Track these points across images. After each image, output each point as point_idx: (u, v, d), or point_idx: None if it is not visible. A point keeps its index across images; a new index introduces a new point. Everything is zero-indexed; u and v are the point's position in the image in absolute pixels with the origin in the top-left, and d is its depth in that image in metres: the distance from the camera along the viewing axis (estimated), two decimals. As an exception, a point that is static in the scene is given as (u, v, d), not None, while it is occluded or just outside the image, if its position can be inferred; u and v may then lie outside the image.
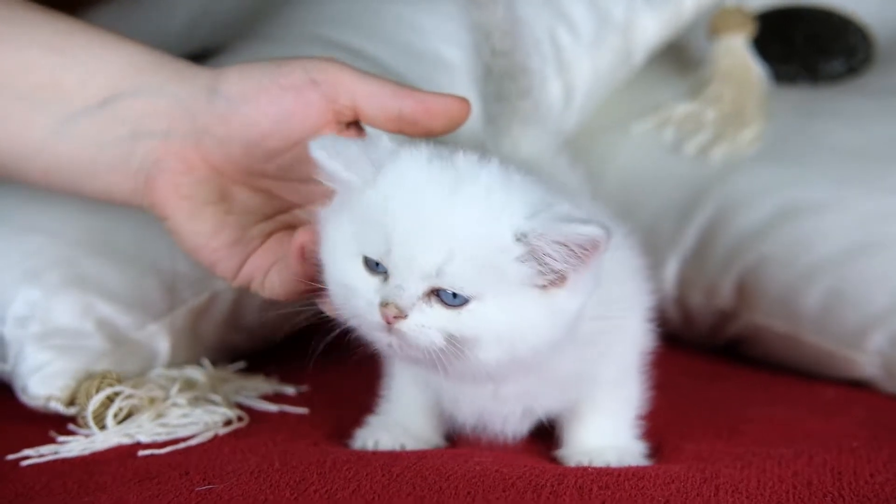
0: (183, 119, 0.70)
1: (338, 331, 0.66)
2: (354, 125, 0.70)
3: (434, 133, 0.69)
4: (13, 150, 0.72)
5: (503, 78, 0.80)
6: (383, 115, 0.69)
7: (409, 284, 0.61)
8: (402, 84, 0.69)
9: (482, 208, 0.61)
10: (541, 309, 0.62)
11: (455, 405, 0.71)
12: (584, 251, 0.60)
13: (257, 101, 0.69)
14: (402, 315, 0.61)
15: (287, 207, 0.73)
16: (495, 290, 0.61)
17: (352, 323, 0.65)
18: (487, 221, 0.61)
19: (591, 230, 0.59)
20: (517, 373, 0.65)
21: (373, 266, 0.63)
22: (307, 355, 0.95)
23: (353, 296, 0.63)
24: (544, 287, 0.61)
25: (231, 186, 0.72)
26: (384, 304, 0.61)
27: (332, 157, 0.63)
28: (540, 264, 0.60)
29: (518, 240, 0.60)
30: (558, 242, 0.60)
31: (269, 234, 0.73)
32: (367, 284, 0.63)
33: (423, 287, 0.61)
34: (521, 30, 0.81)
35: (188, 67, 0.72)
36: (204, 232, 0.71)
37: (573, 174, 0.81)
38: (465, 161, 0.63)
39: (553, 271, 0.61)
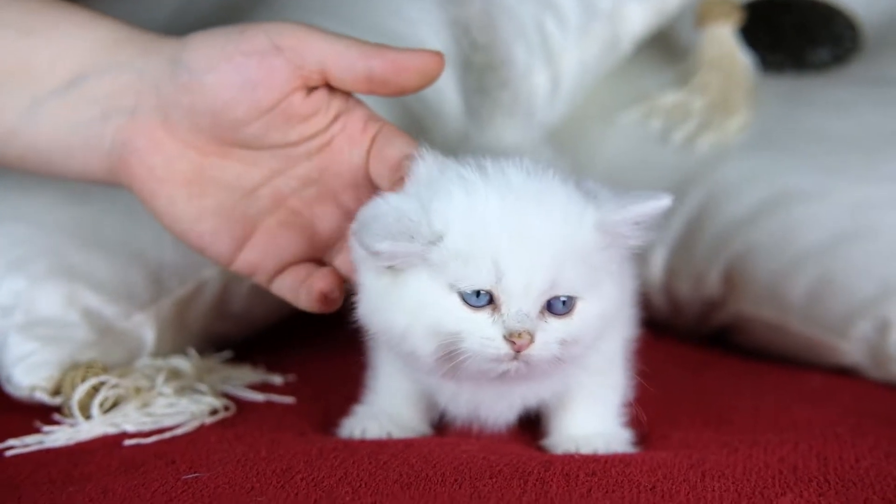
0: (149, 94, 0.70)
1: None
2: (324, 88, 0.69)
3: (407, 91, 0.67)
4: None
5: (483, 70, 0.81)
6: (352, 77, 0.67)
7: (531, 306, 0.61)
8: (370, 43, 0.67)
9: (564, 211, 0.62)
10: (616, 288, 0.66)
11: (451, 401, 0.71)
12: (655, 222, 0.64)
13: (220, 69, 0.67)
14: (532, 340, 0.61)
15: (268, 178, 0.71)
16: (592, 285, 0.63)
17: (461, 361, 0.63)
18: (573, 222, 0.62)
19: (662, 202, 0.63)
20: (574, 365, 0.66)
21: (472, 301, 0.62)
22: (294, 344, 0.96)
23: (462, 339, 0.62)
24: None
25: (204, 160, 0.70)
26: (516, 335, 0.61)
27: (392, 242, 0.61)
28: (621, 248, 0.64)
29: (599, 231, 0.63)
30: (636, 223, 0.63)
31: (275, 219, 0.72)
32: (477, 322, 0.62)
33: (541, 304, 0.62)
34: (500, 22, 0.81)
35: (155, 40, 0.71)
36: (186, 218, 0.71)
37: (558, 164, 0.81)
38: (510, 169, 0.64)
39: (632, 250, 0.65)
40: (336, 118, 0.70)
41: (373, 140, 0.70)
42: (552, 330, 0.62)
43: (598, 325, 0.64)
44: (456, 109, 0.94)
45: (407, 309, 0.63)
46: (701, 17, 1.09)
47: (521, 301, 0.61)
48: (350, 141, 0.70)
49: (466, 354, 0.62)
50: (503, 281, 0.61)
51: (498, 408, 0.70)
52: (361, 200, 0.67)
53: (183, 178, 0.70)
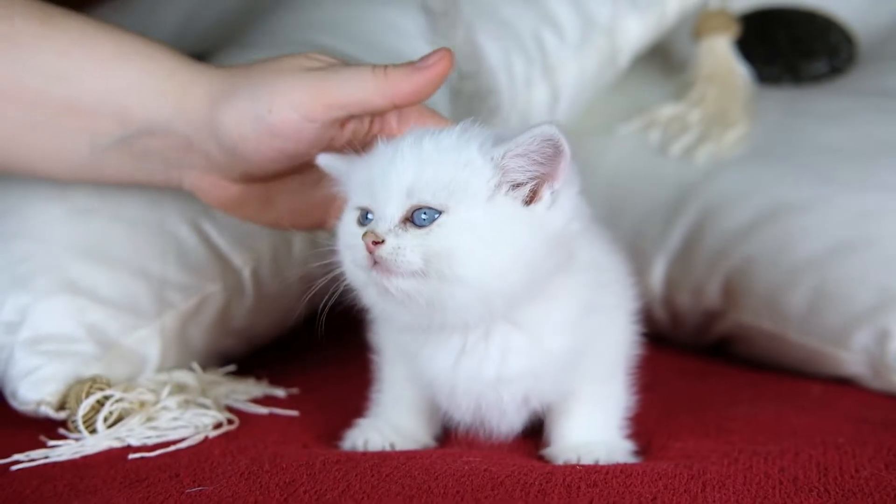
0: (198, 155, 0.76)
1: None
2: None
3: (431, 95, 0.73)
4: (56, 172, 0.80)
5: (472, 100, 0.82)
6: (378, 109, 0.73)
7: (385, 212, 0.67)
8: (384, 75, 0.71)
9: (450, 140, 0.68)
10: (519, 223, 0.66)
11: (452, 399, 0.71)
12: (545, 156, 0.66)
13: (255, 144, 0.74)
14: (379, 240, 0.66)
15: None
16: (465, 204, 0.66)
17: (350, 280, 0.69)
18: (454, 147, 0.67)
19: (541, 129, 0.65)
20: (503, 304, 0.67)
21: (363, 220, 0.69)
22: (297, 358, 0.96)
23: (347, 248, 0.69)
24: (527, 203, 0.66)
25: (269, 186, 0.78)
26: (364, 235, 0.66)
27: (326, 158, 0.72)
28: (510, 181, 0.66)
29: (486, 160, 0.67)
30: (519, 155, 0.66)
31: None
32: (357, 232, 0.68)
33: (398, 213, 0.67)
34: (484, 51, 0.83)
35: (187, 93, 0.75)
36: (267, 221, 0.80)
37: None
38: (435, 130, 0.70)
39: (523, 183, 0.66)
40: (373, 121, 0.75)
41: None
42: (409, 237, 0.66)
43: (474, 247, 0.66)
44: None
45: (339, 229, 0.71)
46: (698, 30, 1.10)
47: (379, 209, 0.67)
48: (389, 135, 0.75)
49: (348, 264, 0.69)
50: (374, 196, 0.68)
51: (499, 407, 0.71)
52: None
53: (254, 202, 0.78)
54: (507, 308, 0.67)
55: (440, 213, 0.66)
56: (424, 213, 0.66)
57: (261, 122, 0.72)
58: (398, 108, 0.73)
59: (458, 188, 0.66)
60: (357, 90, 0.71)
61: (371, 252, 0.66)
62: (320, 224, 0.79)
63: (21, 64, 0.75)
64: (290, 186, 0.78)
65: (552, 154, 0.65)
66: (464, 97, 0.82)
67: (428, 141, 0.68)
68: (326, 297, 0.70)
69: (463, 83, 0.82)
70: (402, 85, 0.71)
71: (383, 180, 0.67)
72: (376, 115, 0.74)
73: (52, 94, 0.76)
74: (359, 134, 0.75)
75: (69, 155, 0.78)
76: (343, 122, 0.73)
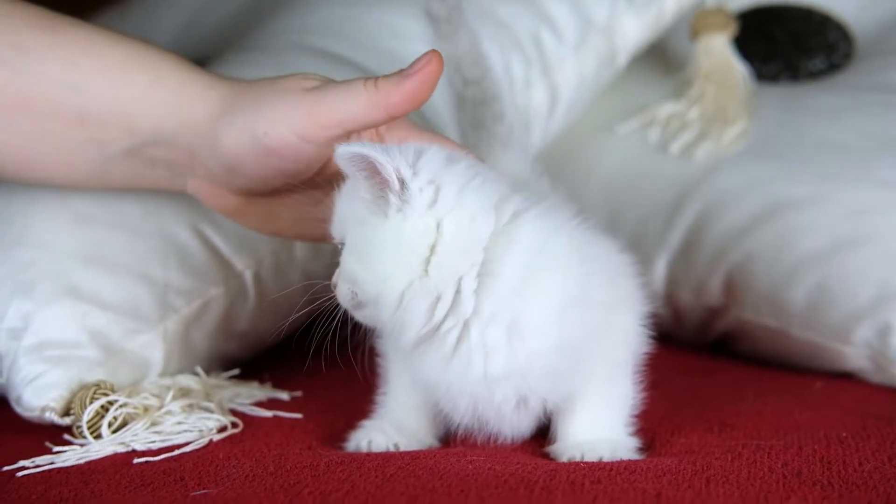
0: (202, 169, 0.76)
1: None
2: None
3: (425, 101, 0.72)
4: (66, 179, 0.81)
5: (477, 106, 0.82)
6: (374, 123, 0.73)
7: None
8: (375, 86, 0.71)
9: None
10: (382, 234, 0.67)
11: (449, 399, 0.71)
12: (371, 168, 0.66)
13: (252, 163, 0.73)
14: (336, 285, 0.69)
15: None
16: (350, 226, 0.68)
17: None
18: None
19: (355, 148, 0.65)
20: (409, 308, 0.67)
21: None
22: (300, 361, 0.96)
23: None
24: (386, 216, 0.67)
25: (272, 200, 0.78)
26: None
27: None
28: (365, 193, 0.67)
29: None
30: (354, 168, 0.67)
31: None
32: None
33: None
34: (486, 58, 0.83)
35: (193, 108, 0.75)
36: (272, 231, 0.80)
37: (555, 194, 0.82)
38: None
39: (371, 193, 0.67)
40: (371, 138, 0.75)
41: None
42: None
43: (356, 270, 0.67)
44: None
45: None
46: (696, 29, 1.11)
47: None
48: None
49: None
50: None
51: (494, 407, 0.71)
52: None
53: (255, 213, 0.78)
54: (423, 309, 0.67)
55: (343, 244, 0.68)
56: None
57: (258, 143, 0.72)
58: (395, 118, 0.72)
59: (349, 218, 0.68)
60: (351, 106, 0.71)
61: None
62: (323, 237, 0.79)
63: (29, 75, 0.75)
64: (291, 202, 0.78)
65: (366, 165, 0.66)
66: (469, 103, 0.82)
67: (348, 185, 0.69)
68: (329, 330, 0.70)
69: (467, 89, 0.82)
70: (393, 95, 0.70)
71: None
72: (375, 127, 0.74)
73: (62, 103, 0.76)
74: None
75: (79, 162, 0.78)
76: (342, 139, 0.72)
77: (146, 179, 0.80)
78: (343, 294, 0.69)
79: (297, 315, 0.86)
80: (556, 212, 0.70)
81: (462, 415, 0.72)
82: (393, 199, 0.66)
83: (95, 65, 0.76)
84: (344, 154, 0.66)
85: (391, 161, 0.66)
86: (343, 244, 0.69)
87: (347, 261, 0.68)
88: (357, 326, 0.71)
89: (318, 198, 0.76)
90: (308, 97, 0.72)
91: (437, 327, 0.68)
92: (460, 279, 0.67)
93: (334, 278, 0.69)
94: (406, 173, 0.66)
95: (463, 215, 0.66)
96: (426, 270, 0.66)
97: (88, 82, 0.76)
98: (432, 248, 0.66)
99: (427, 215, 0.66)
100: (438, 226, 0.66)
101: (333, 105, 0.71)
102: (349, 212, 0.68)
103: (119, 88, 0.76)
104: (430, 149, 0.68)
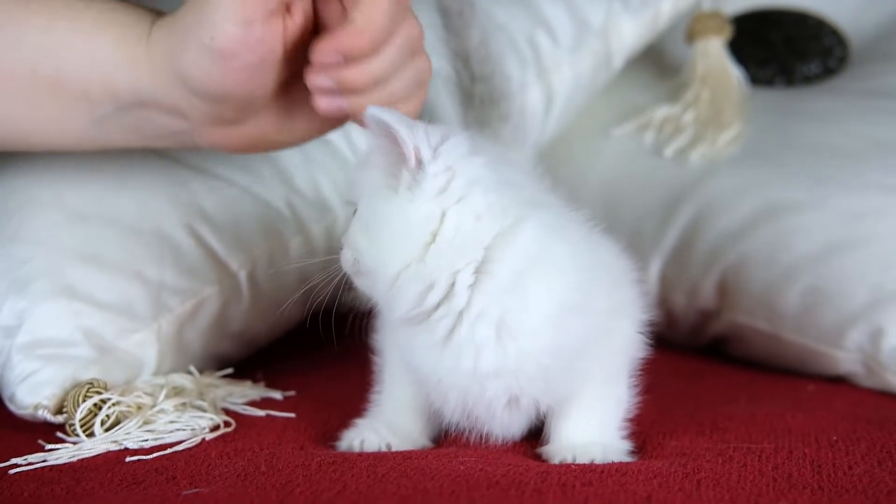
0: (193, 115, 0.75)
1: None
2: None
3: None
4: (61, 144, 0.80)
5: (484, 103, 0.82)
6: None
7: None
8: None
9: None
10: (389, 210, 0.67)
11: (439, 393, 0.71)
12: (391, 137, 0.66)
13: (221, 75, 0.71)
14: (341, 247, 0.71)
15: None
16: (363, 194, 0.69)
17: None
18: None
19: (379, 113, 0.65)
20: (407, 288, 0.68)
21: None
22: (294, 360, 0.97)
23: None
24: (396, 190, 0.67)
25: (277, 110, 0.75)
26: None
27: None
28: (380, 164, 0.67)
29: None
30: (378, 134, 0.67)
31: None
32: None
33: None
34: (499, 55, 0.83)
35: (154, 56, 0.74)
36: (273, 147, 0.78)
37: (555, 195, 0.82)
38: None
39: (388, 164, 0.67)
40: (314, 7, 0.72)
41: None
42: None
43: (357, 236, 0.69)
44: None
45: None
46: (692, 32, 1.11)
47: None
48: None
49: None
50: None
51: (484, 403, 0.70)
52: None
53: (272, 129, 0.76)
54: (418, 292, 0.68)
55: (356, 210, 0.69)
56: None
57: (212, 51, 0.70)
58: None
59: (363, 184, 0.69)
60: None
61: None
62: (351, 114, 0.76)
63: (6, 43, 0.75)
64: (295, 97, 0.75)
65: (388, 134, 0.66)
66: (476, 102, 0.82)
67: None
68: (325, 295, 0.71)
69: (476, 86, 0.81)
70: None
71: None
72: None
73: (43, 71, 0.75)
74: (309, 26, 0.72)
75: (70, 127, 0.78)
76: (283, 8, 0.70)
77: (147, 139, 0.79)
78: (346, 259, 0.70)
79: (290, 307, 0.87)
80: (563, 216, 0.70)
81: (452, 411, 0.71)
82: (406, 176, 0.66)
83: (69, 28, 0.75)
84: (371, 117, 0.66)
85: (413, 138, 0.65)
86: (356, 210, 0.70)
87: (354, 228, 0.69)
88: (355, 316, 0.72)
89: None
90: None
91: (429, 314, 0.68)
92: (457, 272, 0.67)
93: (342, 241, 0.71)
94: (426, 154, 0.66)
95: (467, 211, 0.66)
96: (424, 256, 0.67)
97: (65, 48, 0.75)
98: (433, 236, 0.66)
99: (433, 202, 0.66)
100: (443, 215, 0.66)
101: None
102: (365, 179, 0.69)
103: (93, 51, 0.75)
104: (459, 135, 0.68)
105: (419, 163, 0.66)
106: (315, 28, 0.73)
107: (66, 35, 0.75)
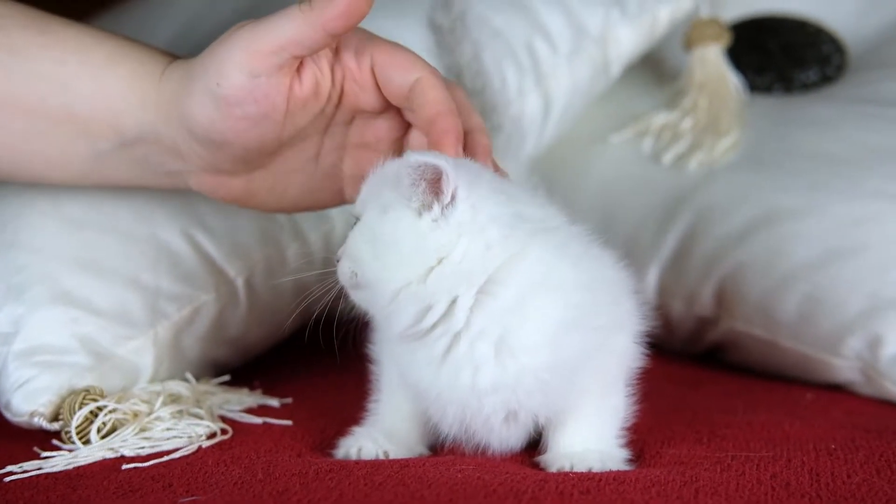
0: (191, 158, 0.76)
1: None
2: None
3: (365, 14, 0.71)
4: (60, 178, 0.81)
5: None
6: (318, 45, 0.71)
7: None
8: (308, 5, 0.70)
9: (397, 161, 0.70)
10: (404, 229, 0.67)
11: (438, 407, 0.71)
12: (434, 178, 0.67)
13: (222, 122, 0.73)
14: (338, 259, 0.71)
15: (319, 142, 0.77)
16: (372, 208, 0.69)
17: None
18: (396, 165, 0.70)
19: (429, 159, 0.66)
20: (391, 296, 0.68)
21: None
22: (290, 368, 0.96)
23: None
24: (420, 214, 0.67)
25: (275, 169, 0.77)
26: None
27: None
28: (407, 190, 0.67)
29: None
30: (413, 167, 0.67)
31: (350, 157, 0.78)
32: None
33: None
34: (491, 69, 0.83)
35: (162, 95, 0.75)
36: (286, 206, 0.80)
37: (551, 205, 0.82)
38: None
39: (417, 195, 0.67)
40: (332, 68, 0.74)
41: (372, 74, 0.74)
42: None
43: (361, 248, 0.69)
44: None
45: None
46: (690, 39, 1.11)
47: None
48: (356, 83, 0.74)
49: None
50: None
51: (483, 417, 0.70)
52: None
53: (263, 191, 0.78)
54: (415, 312, 0.68)
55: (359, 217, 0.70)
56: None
57: (217, 98, 0.71)
58: (335, 37, 0.71)
59: (373, 197, 0.69)
60: (287, 29, 0.70)
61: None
62: (339, 197, 0.79)
63: (20, 74, 0.76)
64: (292, 165, 0.77)
65: (440, 181, 0.67)
66: None
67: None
68: (322, 306, 0.71)
69: (470, 100, 0.82)
70: (328, 11, 0.69)
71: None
72: (318, 50, 0.72)
73: (52, 102, 0.76)
74: (324, 86, 0.73)
75: (72, 160, 0.79)
76: (294, 69, 0.71)
77: (143, 177, 0.80)
78: (344, 271, 0.70)
79: (290, 320, 0.87)
80: (565, 235, 0.70)
81: (451, 425, 0.71)
82: (436, 208, 0.67)
83: (81, 62, 0.76)
84: (414, 162, 0.67)
85: (457, 178, 0.67)
86: (357, 221, 0.70)
87: (356, 239, 0.69)
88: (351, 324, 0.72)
89: (313, 152, 0.76)
90: (244, 31, 0.71)
91: (427, 332, 0.68)
92: (457, 296, 0.68)
93: (339, 253, 0.70)
94: (461, 193, 0.67)
95: (479, 242, 0.67)
96: (426, 278, 0.67)
97: (75, 80, 0.76)
98: (440, 260, 0.67)
99: (454, 232, 0.67)
100: (456, 243, 0.67)
101: (270, 31, 0.70)
102: (376, 194, 0.69)
103: (103, 86, 0.76)
104: (486, 174, 0.70)
105: (453, 199, 0.67)
106: (339, 100, 0.75)
107: (78, 68, 0.76)
